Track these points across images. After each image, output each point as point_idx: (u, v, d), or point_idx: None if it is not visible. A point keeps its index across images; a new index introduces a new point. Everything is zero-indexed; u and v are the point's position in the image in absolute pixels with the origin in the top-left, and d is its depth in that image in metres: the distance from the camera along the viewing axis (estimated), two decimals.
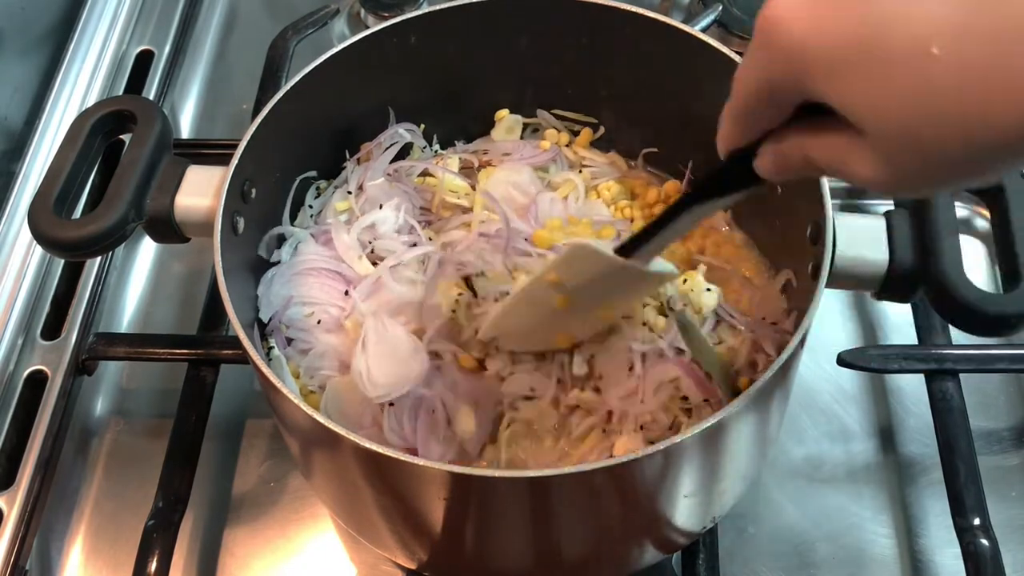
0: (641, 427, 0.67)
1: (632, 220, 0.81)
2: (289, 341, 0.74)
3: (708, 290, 0.74)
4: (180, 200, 0.69)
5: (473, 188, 0.81)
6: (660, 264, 0.65)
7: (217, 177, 0.68)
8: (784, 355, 0.58)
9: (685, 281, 0.74)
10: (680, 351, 0.69)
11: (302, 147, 0.76)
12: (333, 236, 0.76)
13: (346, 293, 0.74)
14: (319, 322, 0.73)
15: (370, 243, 0.77)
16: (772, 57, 0.44)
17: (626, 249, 0.62)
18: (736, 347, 0.72)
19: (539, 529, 0.63)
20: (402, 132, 0.81)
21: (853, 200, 0.95)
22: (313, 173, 0.79)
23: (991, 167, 0.42)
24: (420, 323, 0.72)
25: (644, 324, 0.71)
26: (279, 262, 0.76)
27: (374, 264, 0.76)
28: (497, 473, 0.57)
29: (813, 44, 0.41)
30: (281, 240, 0.77)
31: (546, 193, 0.80)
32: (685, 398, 0.68)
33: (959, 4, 0.38)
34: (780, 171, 0.49)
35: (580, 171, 0.84)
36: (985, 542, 0.70)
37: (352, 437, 0.56)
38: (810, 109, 0.45)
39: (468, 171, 0.84)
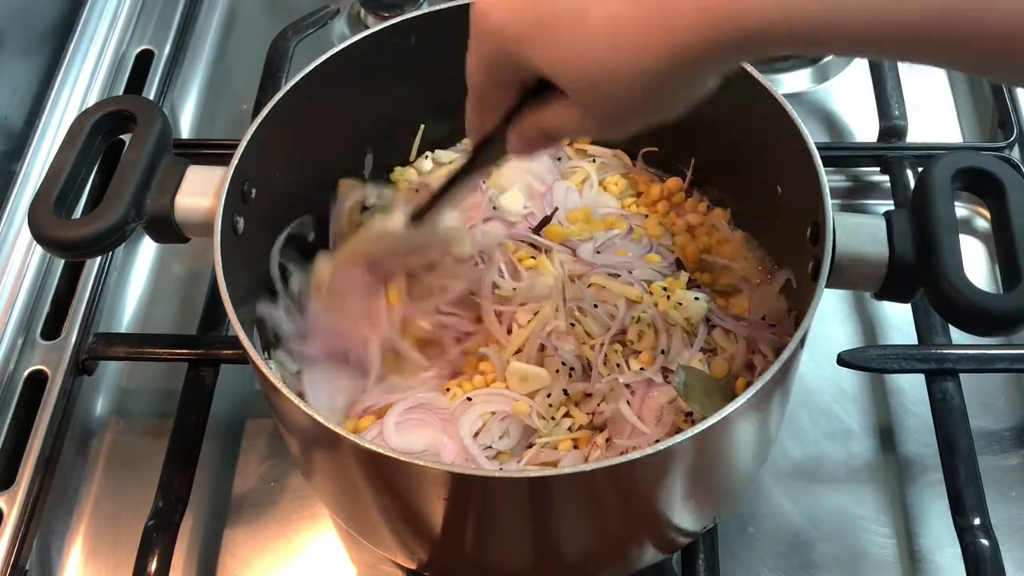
0: None
1: (647, 216, 0.81)
2: None
3: (696, 299, 0.73)
4: (180, 200, 0.69)
5: None
6: (449, 221, 0.74)
7: (217, 177, 0.68)
8: (784, 355, 0.58)
9: (669, 297, 0.73)
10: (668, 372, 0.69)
11: (302, 147, 0.76)
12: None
13: None
14: None
15: None
16: (484, 43, 0.54)
17: (418, 216, 0.71)
18: (732, 353, 0.72)
19: (539, 529, 0.63)
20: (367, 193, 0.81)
21: (853, 200, 0.95)
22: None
23: (661, 102, 0.50)
24: None
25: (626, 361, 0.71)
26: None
27: None
28: (497, 473, 0.57)
29: (509, 23, 0.51)
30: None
31: (562, 182, 0.80)
32: (689, 413, 0.68)
33: None
34: (525, 147, 0.58)
35: (593, 161, 0.84)
36: (985, 542, 0.70)
37: (352, 437, 0.56)
38: (537, 91, 0.54)
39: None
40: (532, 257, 0.77)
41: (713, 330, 0.73)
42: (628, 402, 0.68)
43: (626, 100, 0.49)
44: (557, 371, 0.70)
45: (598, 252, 0.76)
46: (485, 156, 0.64)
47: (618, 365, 0.70)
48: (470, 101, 0.58)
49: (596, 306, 0.72)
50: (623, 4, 0.47)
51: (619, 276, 0.74)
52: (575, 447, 0.69)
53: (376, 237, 0.74)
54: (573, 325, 0.71)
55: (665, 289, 0.73)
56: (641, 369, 0.70)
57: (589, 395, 0.70)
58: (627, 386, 0.69)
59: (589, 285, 0.74)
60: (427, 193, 0.71)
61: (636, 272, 0.74)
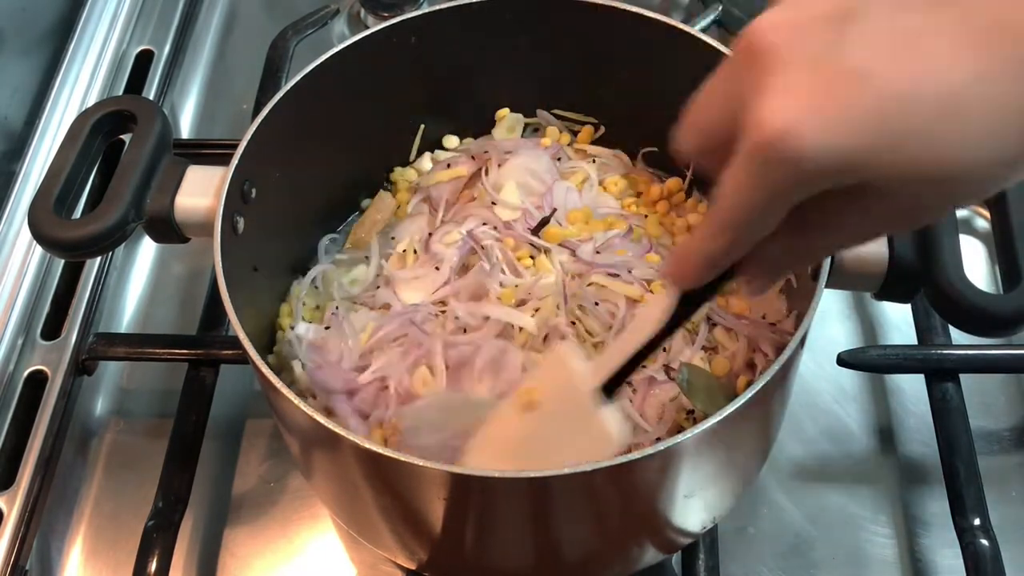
0: None
1: (647, 216, 0.81)
2: None
3: None
4: (180, 200, 0.69)
5: None
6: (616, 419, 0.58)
7: (217, 177, 0.68)
8: (784, 355, 0.58)
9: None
10: (670, 369, 0.69)
11: (302, 147, 0.76)
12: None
13: None
14: None
15: None
16: (779, 170, 0.40)
17: (609, 389, 0.58)
18: (734, 351, 0.72)
19: (539, 529, 0.63)
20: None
21: None
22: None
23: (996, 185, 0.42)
24: None
25: None
26: None
27: None
28: (497, 473, 0.57)
29: (831, 147, 0.38)
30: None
31: (562, 182, 0.80)
32: (691, 411, 0.68)
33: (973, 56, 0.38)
34: (773, 278, 0.49)
35: (593, 161, 0.84)
36: (985, 542, 0.70)
37: (352, 437, 0.56)
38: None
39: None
40: (531, 257, 0.77)
41: (714, 328, 0.73)
42: (630, 400, 0.69)
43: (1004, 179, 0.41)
44: None
45: (598, 252, 0.76)
46: (693, 302, 0.52)
47: None
48: (725, 223, 0.43)
49: (597, 304, 0.72)
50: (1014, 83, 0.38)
51: (619, 276, 0.74)
52: None
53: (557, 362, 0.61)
54: (574, 324, 0.72)
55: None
56: (643, 367, 0.70)
57: None
58: (628, 384, 0.69)
59: (589, 284, 0.74)
60: (619, 357, 0.57)
61: (636, 272, 0.74)
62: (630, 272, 0.74)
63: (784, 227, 0.43)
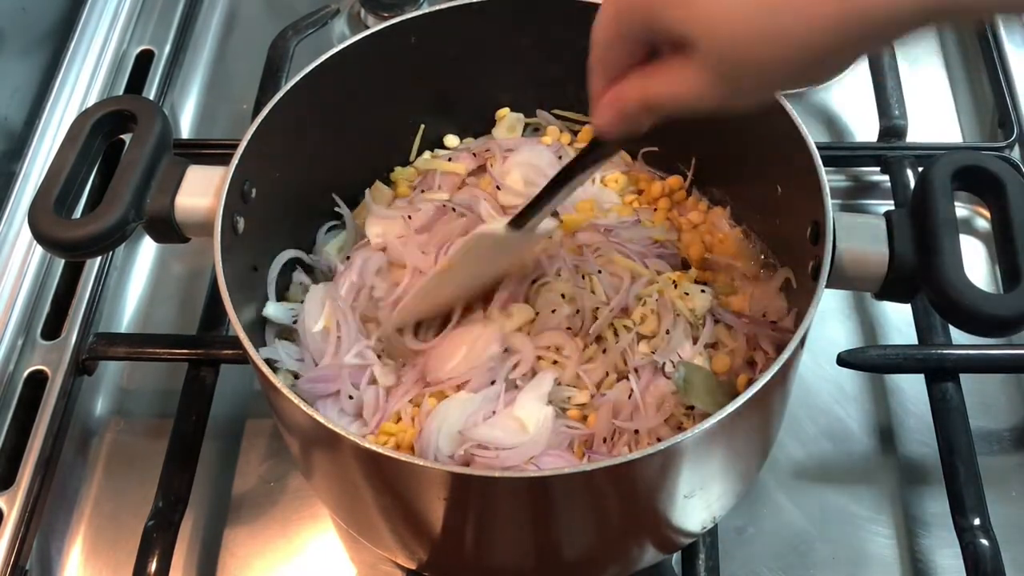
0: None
1: (655, 210, 0.82)
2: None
3: (702, 291, 0.74)
4: (180, 200, 0.69)
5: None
6: (543, 224, 0.71)
7: (217, 177, 0.68)
8: (784, 355, 0.58)
9: (677, 286, 0.74)
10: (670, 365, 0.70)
11: (302, 147, 0.76)
12: None
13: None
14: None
15: None
16: (623, 4, 0.51)
17: (518, 221, 0.68)
18: (734, 348, 0.72)
19: (539, 529, 0.63)
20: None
21: (853, 200, 0.95)
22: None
23: (814, 71, 0.50)
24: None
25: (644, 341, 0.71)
26: None
27: None
28: (497, 473, 0.57)
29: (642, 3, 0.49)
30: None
31: None
32: (691, 406, 0.68)
33: None
34: (616, 119, 0.55)
35: None
36: (985, 542, 0.70)
37: (352, 437, 0.56)
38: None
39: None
40: None
41: (716, 325, 0.73)
42: (633, 384, 0.69)
43: (778, 65, 0.47)
44: (553, 311, 0.72)
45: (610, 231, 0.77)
46: (599, 149, 0.62)
47: (628, 346, 0.71)
48: (590, 63, 0.55)
49: (600, 272, 0.73)
50: None
51: (630, 258, 0.75)
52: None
53: (477, 241, 0.71)
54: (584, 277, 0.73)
55: (674, 283, 0.74)
56: (652, 352, 0.70)
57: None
58: (634, 370, 0.69)
59: (597, 256, 0.74)
60: (530, 197, 0.69)
61: (647, 262, 0.75)
62: (641, 256, 0.76)
63: (631, 79, 0.53)
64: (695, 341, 0.72)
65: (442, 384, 0.70)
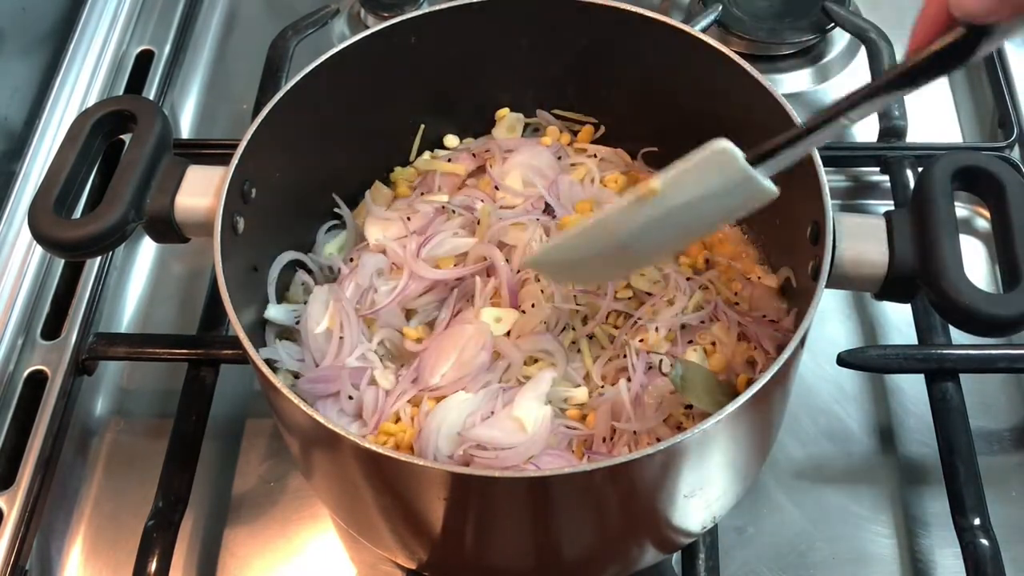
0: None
1: None
2: None
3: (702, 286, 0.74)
4: (180, 200, 0.69)
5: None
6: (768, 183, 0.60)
7: (217, 177, 0.68)
8: (784, 355, 0.58)
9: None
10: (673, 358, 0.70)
11: (302, 147, 0.76)
12: None
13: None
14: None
15: None
16: None
17: (760, 158, 0.59)
18: (732, 347, 0.72)
19: (539, 529, 0.63)
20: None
21: (853, 200, 0.95)
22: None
23: None
24: None
25: (642, 340, 0.71)
26: None
27: None
28: (497, 473, 0.57)
29: None
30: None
31: (565, 175, 0.81)
32: (690, 405, 0.68)
33: None
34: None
35: (595, 156, 0.84)
36: (985, 542, 0.70)
37: (352, 437, 0.56)
38: None
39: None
40: None
41: (714, 324, 0.73)
42: (629, 387, 0.69)
43: None
44: (532, 305, 0.73)
45: None
46: (926, 65, 0.54)
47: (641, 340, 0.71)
48: None
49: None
50: None
51: None
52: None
53: (718, 160, 0.58)
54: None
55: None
56: (642, 342, 0.71)
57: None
58: (632, 366, 0.70)
59: None
60: (786, 134, 0.58)
61: None
62: None
63: None
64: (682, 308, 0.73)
65: (433, 392, 0.70)
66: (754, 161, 0.58)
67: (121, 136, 0.73)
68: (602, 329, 0.73)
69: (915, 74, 0.54)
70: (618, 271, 0.71)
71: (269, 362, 0.70)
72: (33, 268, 0.89)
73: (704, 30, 0.99)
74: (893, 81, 0.55)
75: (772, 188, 0.59)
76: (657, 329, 0.72)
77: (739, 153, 0.58)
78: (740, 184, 0.59)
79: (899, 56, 0.99)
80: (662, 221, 0.61)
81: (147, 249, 0.95)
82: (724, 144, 0.58)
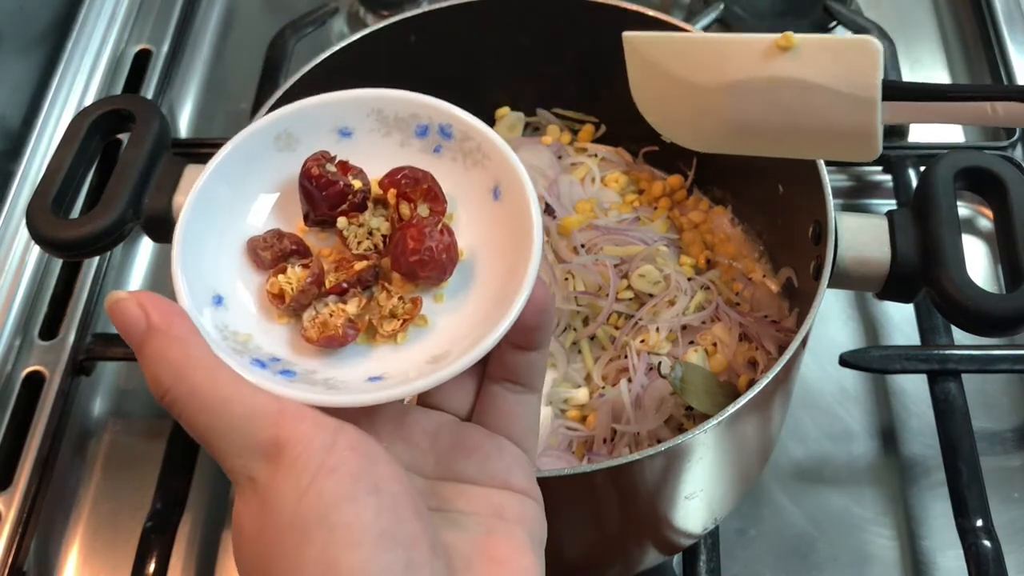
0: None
1: (655, 208, 0.82)
2: None
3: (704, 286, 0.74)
4: (179, 200, 0.69)
5: None
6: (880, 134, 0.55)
7: None
8: (786, 356, 0.58)
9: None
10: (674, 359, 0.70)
11: None
12: None
13: None
14: None
15: None
16: None
17: (894, 91, 0.54)
18: (733, 348, 0.72)
19: None
20: None
21: (855, 200, 0.95)
22: None
23: None
24: None
25: (643, 341, 0.71)
26: None
27: None
28: None
29: None
30: None
31: (565, 175, 0.80)
32: (690, 407, 0.67)
33: None
34: None
35: (595, 156, 0.84)
36: (987, 543, 0.70)
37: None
38: None
39: None
40: None
41: (716, 325, 0.73)
42: (629, 388, 0.69)
43: None
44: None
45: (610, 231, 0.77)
46: None
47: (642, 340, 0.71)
48: None
49: (595, 261, 0.74)
50: None
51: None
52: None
53: (866, 48, 0.53)
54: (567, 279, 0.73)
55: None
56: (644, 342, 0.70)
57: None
58: (633, 367, 0.69)
59: (595, 259, 0.74)
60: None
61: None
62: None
63: None
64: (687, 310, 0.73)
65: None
66: (885, 90, 0.53)
67: (119, 135, 0.73)
68: (603, 330, 0.73)
69: None
70: (692, 123, 0.61)
71: None
72: (31, 268, 0.89)
73: (705, 28, 0.98)
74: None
75: (879, 143, 0.55)
76: (658, 330, 0.71)
77: (883, 62, 0.53)
78: (862, 105, 0.54)
79: (900, 56, 0.99)
80: (776, 88, 0.56)
81: (145, 249, 0.94)
82: (875, 41, 0.53)
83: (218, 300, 0.45)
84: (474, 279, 0.45)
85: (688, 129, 0.63)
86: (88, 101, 1.01)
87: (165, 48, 1.07)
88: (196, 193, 0.45)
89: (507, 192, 0.45)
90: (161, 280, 0.93)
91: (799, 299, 0.72)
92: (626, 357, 0.71)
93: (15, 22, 1.00)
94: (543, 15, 0.78)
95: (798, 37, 0.55)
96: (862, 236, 0.65)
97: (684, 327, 0.72)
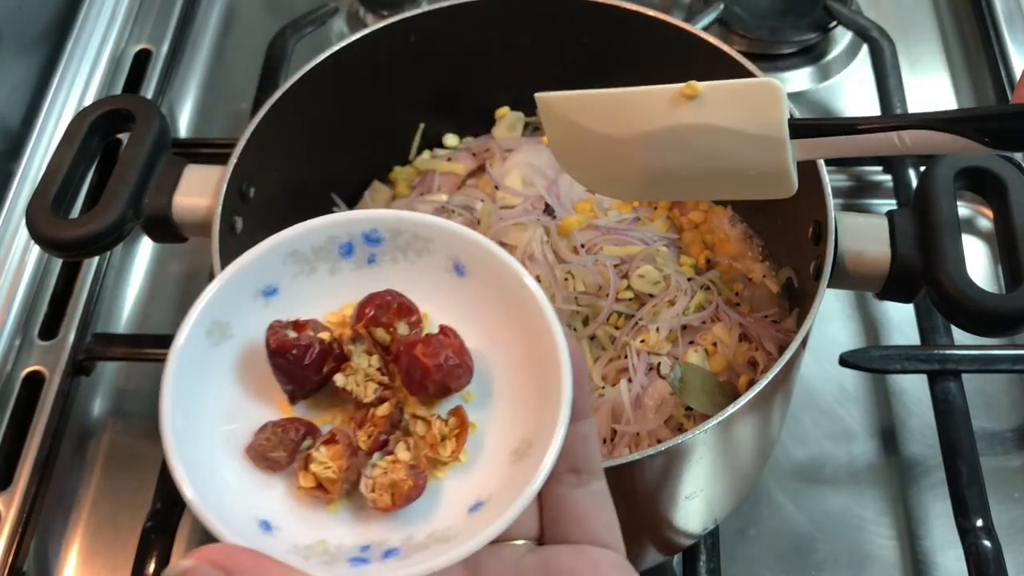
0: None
1: (655, 208, 0.82)
2: None
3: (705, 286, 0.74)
4: (178, 199, 0.69)
5: None
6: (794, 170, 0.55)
7: (215, 176, 0.68)
8: (786, 356, 0.58)
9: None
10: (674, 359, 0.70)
11: (301, 146, 0.76)
12: None
13: None
14: None
15: None
16: None
17: (802, 130, 0.54)
18: (733, 348, 0.72)
19: None
20: None
21: (855, 199, 0.95)
22: None
23: None
24: None
25: (643, 341, 0.71)
26: None
27: None
28: None
29: None
30: None
31: (565, 175, 0.80)
32: (690, 407, 0.67)
33: None
34: None
35: None
36: (987, 543, 0.70)
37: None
38: None
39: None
40: None
41: (716, 325, 0.73)
42: (629, 388, 0.69)
43: None
44: None
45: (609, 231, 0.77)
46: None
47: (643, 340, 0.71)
48: None
49: (595, 261, 0.73)
50: None
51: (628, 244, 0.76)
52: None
53: (766, 91, 0.54)
54: (567, 279, 0.73)
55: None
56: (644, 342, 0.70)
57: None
58: (633, 367, 0.69)
59: (595, 259, 0.74)
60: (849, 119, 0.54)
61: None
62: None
63: None
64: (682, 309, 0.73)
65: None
66: (793, 129, 0.54)
67: (119, 135, 0.73)
68: (603, 330, 0.73)
69: (993, 119, 0.50)
70: (609, 174, 0.62)
71: None
72: (31, 268, 0.89)
73: (705, 28, 0.98)
74: (964, 119, 0.50)
75: (794, 179, 0.55)
76: (658, 330, 0.71)
77: (786, 102, 0.54)
78: (771, 145, 0.54)
79: (901, 56, 0.99)
80: (686, 136, 0.56)
81: (145, 249, 0.94)
82: (776, 83, 0.54)
83: (265, 526, 0.39)
84: (484, 371, 0.41)
85: (609, 181, 0.63)
86: (88, 101, 1.01)
87: (165, 48, 1.07)
88: (170, 443, 0.38)
89: (472, 263, 0.42)
90: (161, 280, 0.93)
91: (799, 299, 0.72)
92: (626, 357, 0.71)
93: (15, 22, 1.00)
94: (543, 15, 0.78)
95: (702, 85, 0.56)
96: (862, 236, 0.65)
97: (684, 327, 0.72)
